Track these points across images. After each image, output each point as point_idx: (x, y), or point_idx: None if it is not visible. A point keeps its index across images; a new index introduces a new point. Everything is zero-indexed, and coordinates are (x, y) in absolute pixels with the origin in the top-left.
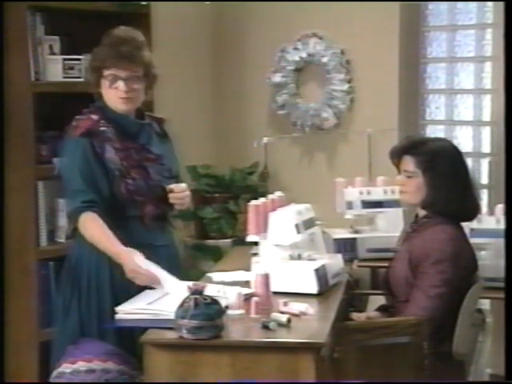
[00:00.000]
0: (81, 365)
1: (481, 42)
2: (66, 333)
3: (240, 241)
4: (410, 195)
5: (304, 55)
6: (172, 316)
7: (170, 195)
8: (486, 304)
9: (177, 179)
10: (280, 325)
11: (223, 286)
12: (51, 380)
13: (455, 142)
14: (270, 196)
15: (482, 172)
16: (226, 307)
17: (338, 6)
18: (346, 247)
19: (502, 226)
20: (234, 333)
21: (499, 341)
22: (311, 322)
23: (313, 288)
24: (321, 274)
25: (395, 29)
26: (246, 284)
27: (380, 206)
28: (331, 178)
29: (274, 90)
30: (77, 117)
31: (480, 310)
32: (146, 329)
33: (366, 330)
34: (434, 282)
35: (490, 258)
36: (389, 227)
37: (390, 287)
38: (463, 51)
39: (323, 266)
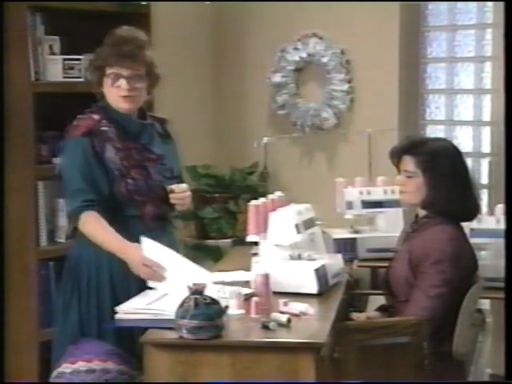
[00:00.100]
0: (81, 365)
1: (481, 42)
2: (66, 333)
3: (240, 241)
4: (410, 195)
5: (304, 55)
6: (172, 316)
7: (171, 195)
8: (486, 304)
9: (178, 180)
10: (280, 325)
11: (223, 286)
12: (51, 380)
13: (455, 142)
14: (270, 196)
15: (482, 172)
16: (226, 307)
17: (338, 6)
18: (346, 247)
19: (502, 226)
20: (234, 333)
21: (499, 341)
22: (311, 322)
23: (313, 288)
24: (321, 273)
25: (395, 29)
26: (246, 284)
27: (380, 206)
28: (331, 177)
29: (274, 90)
30: (78, 116)
31: (480, 310)
32: (145, 329)
33: (366, 329)
34: (434, 282)
35: (489, 258)
36: (389, 227)
37: (390, 287)
38: (463, 51)
39: (323, 266)
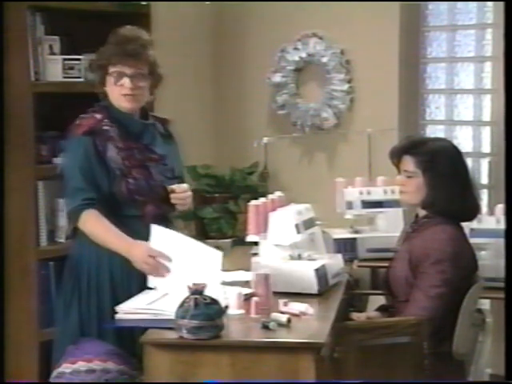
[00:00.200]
0: (81, 365)
1: (481, 42)
2: (67, 332)
3: (240, 241)
4: (409, 195)
5: (304, 55)
6: (172, 316)
7: (172, 195)
8: (486, 304)
9: (180, 180)
10: (280, 325)
11: (223, 286)
12: (51, 380)
13: (455, 142)
14: (270, 196)
15: (482, 172)
16: (226, 307)
17: (338, 6)
18: (346, 247)
19: (502, 226)
20: (234, 333)
21: (499, 341)
22: (311, 322)
23: (313, 288)
24: (321, 273)
25: (395, 29)
26: (246, 284)
27: (380, 206)
28: (331, 177)
29: (274, 90)
30: (81, 115)
31: (480, 310)
32: (145, 329)
33: (366, 329)
34: (434, 282)
35: (490, 258)
36: (389, 227)
37: (390, 287)
38: (463, 51)
39: (323, 265)
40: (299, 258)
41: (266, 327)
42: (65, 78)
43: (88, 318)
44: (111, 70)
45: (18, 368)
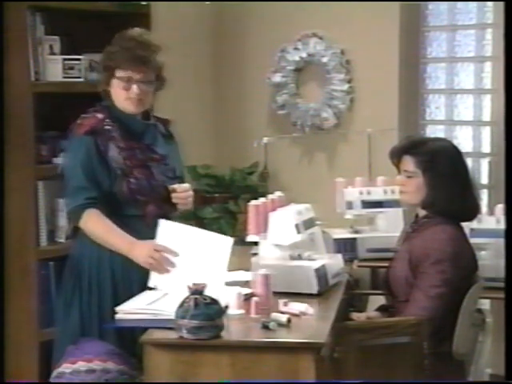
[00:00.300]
0: (81, 365)
1: (481, 42)
2: (67, 332)
3: (240, 241)
4: (410, 195)
5: (304, 55)
6: (172, 316)
7: (173, 195)
8: (486, 304)
9: (180, 180)
10: (280, 325)
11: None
12: (51, 380)
13: (455, 142)
14: (270, 196)
15: (482, 172)
16: (226, 307)
17: (338, 6)
18: (346, 247)
19: (502, 226)
20: (234, 333)
21: (499, 341)
22: (311, 322)
23: (313, 288)
24: (321, 273)
25: (395, 29)
26: (246, 284)
27: (380, 206)
28: (331, 177)
29: (274, 90)
30: (82, 115)
31: (480, 310)
32: (145, 329)
33: (366, 329)
34: (434, 281)
35: (490, 258)
36: (389, 227)
37: (390, 287)
38: (463, 51)
39: (323, 265)
40: (299, 257)
41: (266, 327)
42: (65, 77)
43: (89, 318)
44: (119, 73)
45: (18, 368)
